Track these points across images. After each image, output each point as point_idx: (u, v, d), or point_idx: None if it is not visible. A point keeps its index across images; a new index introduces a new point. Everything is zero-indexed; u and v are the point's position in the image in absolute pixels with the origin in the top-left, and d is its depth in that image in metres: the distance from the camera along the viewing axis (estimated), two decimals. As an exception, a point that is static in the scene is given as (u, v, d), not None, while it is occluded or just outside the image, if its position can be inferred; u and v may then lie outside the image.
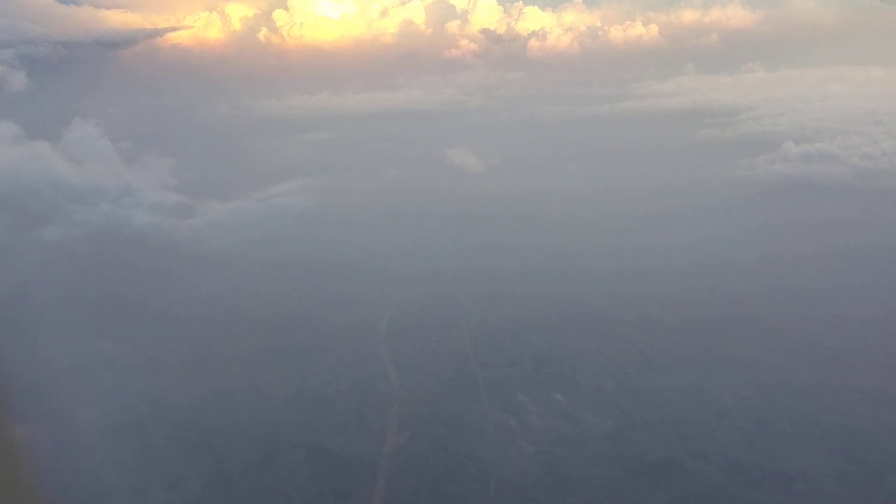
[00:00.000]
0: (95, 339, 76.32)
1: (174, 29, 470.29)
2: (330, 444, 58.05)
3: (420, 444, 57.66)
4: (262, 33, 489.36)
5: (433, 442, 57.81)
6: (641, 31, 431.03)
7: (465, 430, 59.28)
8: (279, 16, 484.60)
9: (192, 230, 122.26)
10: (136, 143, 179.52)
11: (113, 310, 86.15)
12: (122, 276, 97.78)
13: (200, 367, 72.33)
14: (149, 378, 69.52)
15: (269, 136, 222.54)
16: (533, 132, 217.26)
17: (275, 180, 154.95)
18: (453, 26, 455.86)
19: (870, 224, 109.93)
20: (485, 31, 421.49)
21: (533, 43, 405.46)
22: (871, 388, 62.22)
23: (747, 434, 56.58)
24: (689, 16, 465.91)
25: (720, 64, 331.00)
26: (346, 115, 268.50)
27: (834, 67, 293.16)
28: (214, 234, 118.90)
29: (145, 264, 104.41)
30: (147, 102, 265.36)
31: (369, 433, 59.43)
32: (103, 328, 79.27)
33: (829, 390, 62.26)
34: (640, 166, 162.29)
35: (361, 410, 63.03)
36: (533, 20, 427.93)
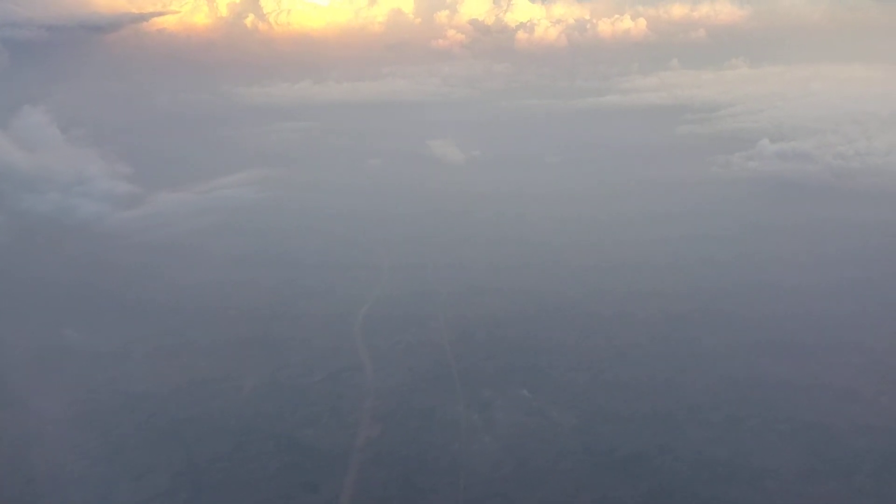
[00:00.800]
0: (59, 327, 75.84)
1: (160, 13, 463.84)
2: (301, 436, 57.76)
3: (392, 436, 57.45)
4: (249, 19, 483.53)
5: (406, 435, 57.61)
6: (629, 24, 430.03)
7: (438, 423, 59.09)
8: (267, 2, 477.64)
9: (135, 220, 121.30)
10: (99, 131, 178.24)
11: (71, 298, 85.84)
12: (70, 265, 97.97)
13: (172, 357, 71.80)
14: (119, 367, 68.98)
15: (246, 124, 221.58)
16: (515, 125, 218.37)
17: (239, 169, 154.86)
18: (442, 16, 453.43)
19: (845, 223, 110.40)
20: (473, 22, 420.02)
21: (521, 35, 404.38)
22: (842, 386, 62.56)
23: (717, 430, 56.73)
24: (678, 10, 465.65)
25: (705, 59, 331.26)
26: (329, 104, 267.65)
27: (817, 65, 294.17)
28: (158, 224, 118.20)
29: (90, 253, 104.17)
30: (123, 88, 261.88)
31: (342, 425, 59.13)
32: (65, 317, 78.95)
33: (800, 387, 62.53)
34: (618, 161, 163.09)
35: (334, 402, 62.68)
36: (522, 11, 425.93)
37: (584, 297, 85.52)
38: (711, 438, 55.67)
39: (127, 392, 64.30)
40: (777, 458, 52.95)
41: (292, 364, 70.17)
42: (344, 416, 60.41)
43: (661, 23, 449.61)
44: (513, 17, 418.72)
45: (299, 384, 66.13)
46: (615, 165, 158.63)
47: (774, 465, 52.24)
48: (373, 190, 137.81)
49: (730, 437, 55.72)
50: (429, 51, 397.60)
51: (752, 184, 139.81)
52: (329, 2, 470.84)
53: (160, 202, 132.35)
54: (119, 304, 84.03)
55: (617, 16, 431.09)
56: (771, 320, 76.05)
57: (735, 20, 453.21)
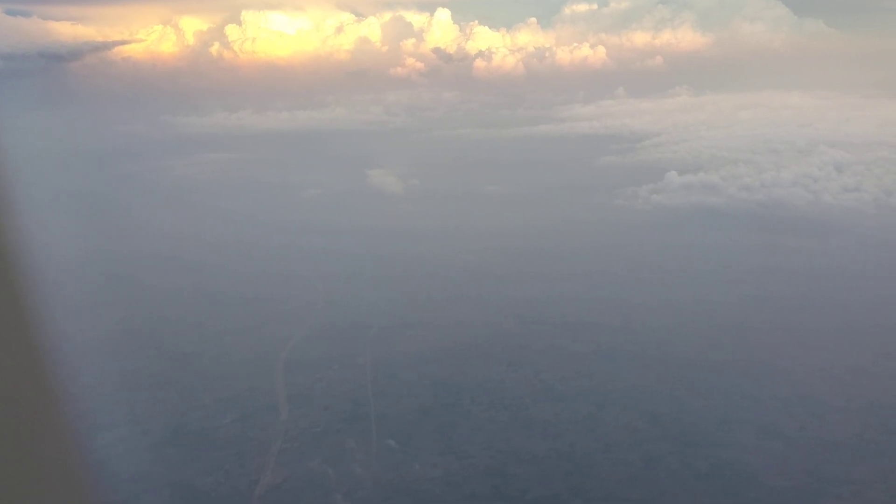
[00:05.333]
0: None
1: (125, 42, 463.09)
2: (200, 484, 54.90)
3: (296, 483, 54.79)
4: (215, 48, 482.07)
5: (310, 481, 54.93)
6: (588, 52, 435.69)
7: (346, 467, 56.59)
8: (231, 31, 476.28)
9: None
10: None
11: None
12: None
13: (81, 396, 68.48)
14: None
15: (163, 157, 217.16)
16: (451, 154, 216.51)
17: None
18: (409, 44, 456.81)
19: (753, 250, 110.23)
20: (436, 51, 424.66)
21: (479, 63, 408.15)
22: (765, 421, 61.04)
23: (633, 469, 54.82)
24: (640, 38, 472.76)
25: (650, 88, 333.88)
26: (266, 133, 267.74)
27: (759, 92, 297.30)
28: None
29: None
30: (47, 120, 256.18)
31: (244, 471, 56.34)
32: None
33: (723, 422, 61.01)
34: (539, 193, 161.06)
35: (241, 447, 59.86)
36: (482, 39, 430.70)
37: (518, 328, 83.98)
38: (626, 479, 53.74)
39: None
40: (690, 499, 51.22)
41: (206, 405, 67.30)
42: (248, 462, 57.61)
43: (623, 50, 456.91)
44: (474, 46, 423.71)
45: (208, 427, 63.26)
46: (537, 197, 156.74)
47: (687, 506, 50.53)
48: (307, 223, 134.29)
49: (645, 477, 53.83)
50: (387, 79, 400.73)
51: (650, 216, 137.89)
52: (296, 30, 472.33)
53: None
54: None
55: (575, 44, 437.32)
56: (700, 352, 74.71)
57: (696, 47, 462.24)
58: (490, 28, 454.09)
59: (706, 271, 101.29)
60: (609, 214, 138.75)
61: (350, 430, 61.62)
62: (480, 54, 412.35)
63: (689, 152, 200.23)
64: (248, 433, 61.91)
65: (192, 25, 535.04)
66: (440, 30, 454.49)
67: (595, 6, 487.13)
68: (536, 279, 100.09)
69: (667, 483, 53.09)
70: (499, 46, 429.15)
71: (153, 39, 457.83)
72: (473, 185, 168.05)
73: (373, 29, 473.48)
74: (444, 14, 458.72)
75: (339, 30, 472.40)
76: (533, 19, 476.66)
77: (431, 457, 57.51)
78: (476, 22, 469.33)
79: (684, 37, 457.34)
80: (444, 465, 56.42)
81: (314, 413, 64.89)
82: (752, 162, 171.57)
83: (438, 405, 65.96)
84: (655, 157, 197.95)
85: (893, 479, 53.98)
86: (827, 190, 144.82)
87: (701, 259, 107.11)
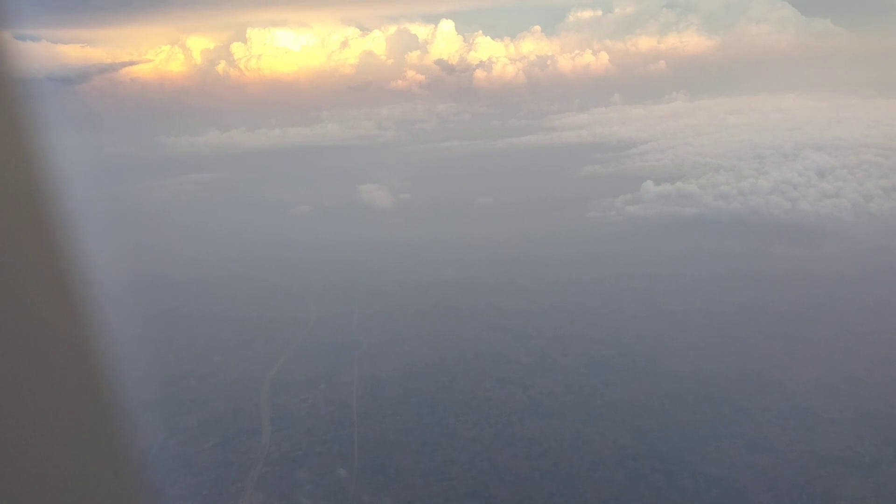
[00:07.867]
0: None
1: (133, 63, 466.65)
2: (175, 512, 54.10)
3: (272, 509, 53.84)
4: (221, 66, 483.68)
5: (286, 507, 53.99)
6: (590, 59, 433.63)
7: (324, 490, 55.53)
8: (237, 48, 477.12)
9: None
10: None
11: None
12: None
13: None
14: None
15: (155, 176, 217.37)
16: (440, 167, 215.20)
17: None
18: (413, 57, 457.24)
19: (753, 260, 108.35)
20: (439, 62, 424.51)
21: (479, 73, 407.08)
22: (755, 435, 59.54)
23: (617, 488, 53.43)
24: (645, 43, 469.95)
25: (648, 94, 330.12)
26: (256, 151, 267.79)
27: (755, 96, 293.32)
28: None
29: None
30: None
31: (220, 498, 55.43)
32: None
33: (711, 437, 59.46)
34: (513, 203, 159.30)
35: (220, 471, 58.98)
36: (484, 49, 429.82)
37: (508, 341, 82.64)
38: (609, 498, 52.35)
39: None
40: (674, 519, 49.84)
41: (188, 428, 66.50)
42: (226, 487, 56.69)
43: (628, 56, 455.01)
44: (476, 56, 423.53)
45: (189, 451, 62.31)
46: (519, 208, 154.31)
47: (671, 527, 49.13)
48: (298, 239, 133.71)
49: (628, 497, 52.39)
50: (389, 92, 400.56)
51: (623, 227, 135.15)
52: (301, 47, 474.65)
53: None
54: None
55: (577, 51, 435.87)
56: (690, 362, 73.17)
57: (703, 50, 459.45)
58: (493, 38, 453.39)
59: (692, 281, 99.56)
60: (583, 226, 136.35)
61: (330, 454, 60.57)
62: (482, 64, 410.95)
63: (672, 160, 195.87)
64: (229, 457, 60.99)
65: (200, 44, 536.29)
66: (444, 41, 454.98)
67: (599, 12, 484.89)
68: (526, 290, 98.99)
69: (651, 502, 51.68)
70: (500, 56, 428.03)
71: (161, 59, 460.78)
72: (460, 198, 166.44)
73: (377, 42, 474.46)
74: (447, 25, 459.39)
75: (344, 44, 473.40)
76: (537, 27, 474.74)
77: (412, 479, 56.38)
78: (480, 32, 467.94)
79: (689, 40, 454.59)
80: (424, 488, 55.25)
81: (297, 436, 63.84)
82: (734, 169, 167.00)
83: (423, 424, 64.79)
84: (639, 166, 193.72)
85: (888, 493, 52.35)
86: (805, 197, 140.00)
87: (683, 268, 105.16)
